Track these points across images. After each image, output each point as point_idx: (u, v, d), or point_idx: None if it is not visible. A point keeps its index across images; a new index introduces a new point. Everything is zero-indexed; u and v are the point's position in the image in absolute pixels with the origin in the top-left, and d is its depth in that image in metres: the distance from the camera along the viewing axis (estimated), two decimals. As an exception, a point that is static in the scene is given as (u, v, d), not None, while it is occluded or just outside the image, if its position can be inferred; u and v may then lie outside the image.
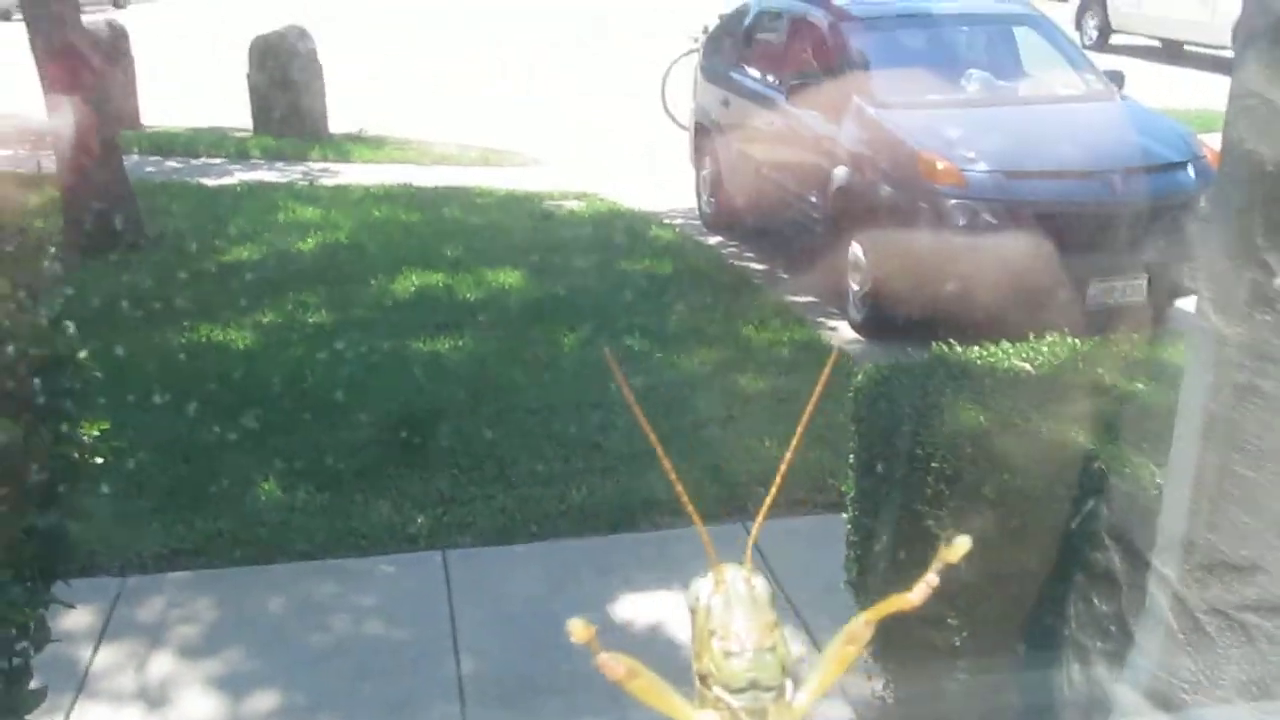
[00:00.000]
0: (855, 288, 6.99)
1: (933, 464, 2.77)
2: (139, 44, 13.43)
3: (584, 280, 7.70)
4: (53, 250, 2.59)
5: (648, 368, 6.16)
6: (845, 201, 7.13)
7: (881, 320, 6.76)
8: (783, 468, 0.92)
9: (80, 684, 3.72)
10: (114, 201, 8.14)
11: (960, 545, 0.87)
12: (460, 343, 6.53)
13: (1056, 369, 3.06)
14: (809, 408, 0.93)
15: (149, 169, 11.14)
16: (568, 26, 22.62)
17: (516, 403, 5.78)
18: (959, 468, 2.72)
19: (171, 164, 11.76)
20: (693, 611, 0.86)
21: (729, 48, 9.33)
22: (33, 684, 2.53)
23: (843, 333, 6.99)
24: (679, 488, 0.93)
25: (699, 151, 9.56)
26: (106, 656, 3.89)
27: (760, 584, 0.86)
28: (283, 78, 12.43)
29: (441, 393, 5.84)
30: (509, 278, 7.69)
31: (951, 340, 3.28)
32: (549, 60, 18.33)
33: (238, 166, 11.64)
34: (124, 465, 4.42)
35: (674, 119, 11.58)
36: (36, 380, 2.41)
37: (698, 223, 9.45)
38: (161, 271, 7.73)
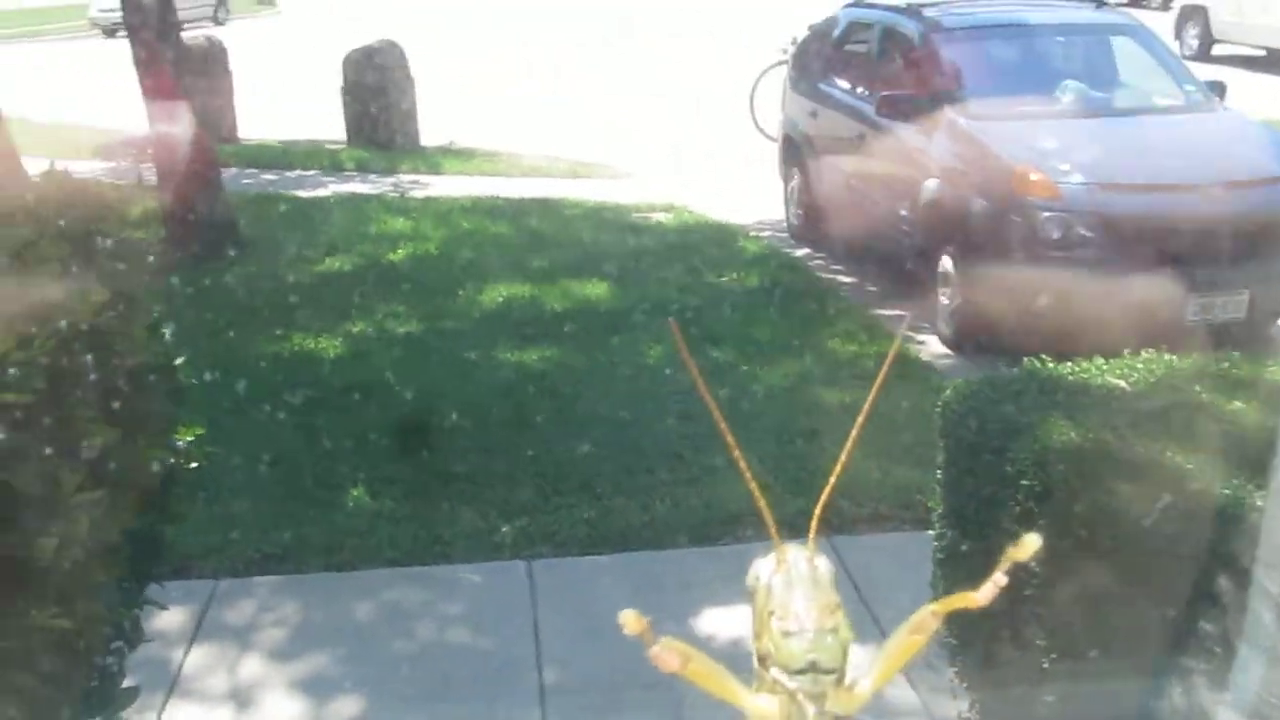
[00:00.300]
0: (945, 301, 6.91)
1: (1022, 481, 2.71)
2: (237, 59, 13.73)
3: (670, 292, 7.70)
4: (151, 260, 2.65)
5: (733, 380, 6.14)
6: (936, 214, 7.04)
7: (971, 335, 6.67)
8: (843, 456, 0.89)
9: (172, 684, 3.80)
10: (211, 213, 8.32)
11: (1029, 543, 0.84)
12: (547, 353, 6.57)
13: (1152, 386, 2.98)
14: (872, 394, 0.91)
15: (245, 181, 11.37)
16: (657, 39, 22.68)
17: (602, 413, 5.79)
18: (1049, 486, 2.66)
19: (267, 176, 12.00)
20: (753, 591, 0.84)
21: (818, 59, 9.29)
22: (126, 682, 2.58)
23: (932, 347, 6.91)
24: (742, 464, 0.90)
25: (787, 163, 9.52)
26: (198, 658, 3.96)
27: (823, 564, 0.83)
28: (375, 91, 12.63)
29: (527, 403, 5.88)
30: (596, 289, 7.72)
31: (1043, 356, 3.22)
32: (640, 73, 18.40)
33: (331, 179, 11.84)
34: (218, 470, 4.52)
35: (762, 131, 11.56)
36: (134, 386, 2.46)
37: (785, 235, 9.41)
38: (255, 281, 7.88)
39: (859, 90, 8.45)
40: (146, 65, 8.19)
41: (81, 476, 2.20)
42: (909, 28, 8.09)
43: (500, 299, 7.52)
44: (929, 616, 0.85)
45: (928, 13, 8.22)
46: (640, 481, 5.10)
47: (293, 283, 7.78)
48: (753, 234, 9.40)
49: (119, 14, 8.65)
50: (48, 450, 2.14)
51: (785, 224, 9.52)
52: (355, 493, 5.01)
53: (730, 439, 0.88)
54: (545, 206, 10.31)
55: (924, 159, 7.27)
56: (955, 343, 6.82)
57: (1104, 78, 7.99)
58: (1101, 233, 6.36)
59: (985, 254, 6.61)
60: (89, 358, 2.29)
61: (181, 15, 10.25)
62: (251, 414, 5.55)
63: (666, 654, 0.82)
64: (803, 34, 10.01)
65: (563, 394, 6.01)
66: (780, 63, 10.85)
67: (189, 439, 2.79)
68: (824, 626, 0.80)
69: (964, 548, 3.04)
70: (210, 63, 13.12)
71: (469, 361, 6.48)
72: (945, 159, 7.15)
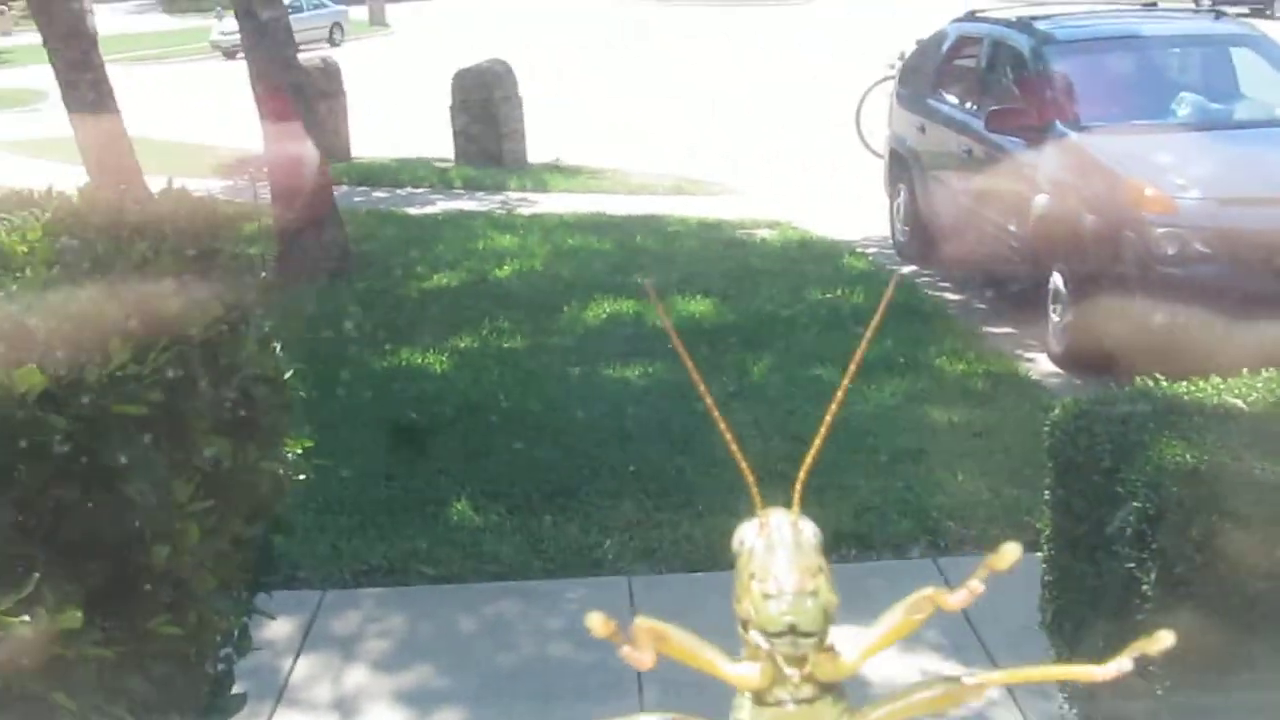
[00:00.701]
0: (1055, 319, 6.77)
1: (1134, 504, 2.64)
2: (351, 79, 14.03)
3: (775, 308, 7.67)
4: (263, 275, 2.71)
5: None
6: (1046, 230, 6.91)
7: (1082, 352, 6.52)
8: (834, 405, 0.87)
9: (280, 692, 3.87)
10: (322, 230, 8.50)
11: (1008, 553, 0.83)
12: (650, 369, 6.58)
13: (1272, 406, 2.88)
14: (868, 334, 0.88)
15: (357, 198, 11.60)
16: (760, 57, 22.65)
17: (705, 429, 5.78)
18: (1162, 508, 2.59)
19: (378, 194, 12.23)
20: (736, 555, 0.83)
21: (926, 74, 9.19)
22: (234, 689, 2.64)
23: (1041, 365, 6.77)
24: (722, 425, 0.89)
25: (893, 179, 9.43)
26: (305, 667, 4.03)
27: (808, 528, 0.82)
28: (484, 110, 12.81)
29: (630, 418, 5.89)
30: (699, 305, 7.72)
31: (1156, 374, 3.13)
32: (746, 91, 18.38)
33: (439, 196, 12.03)
34: (326, 483, 4.60)
35: (868, 146, 11.47)
36: (245, 399, 2.52)
37: (891, 252, 9.31)
38: (364, 296, 8.03)
39: (968, 105, 8.34)
40: (263, 86, 8.40)
41: (194, 486, 2.26)
42: (1019, 41, 7.96)
43: (604, 315, 7.56)
44: (926, 599, 0.83)
45: (1039, 25, 8.09)
46: (742, 499, 5.06)
47: (401, 298, 7.91)
48: (858, 250, 9.32)
49: (239, 36, 8.89)
50: (162, 460, 2.21)
51: (891, 240, 9.43)
52: (459, 506, 5.06)
53: (702, 386, 0.88)
54: (650, 223, 10.35)
55: (1034, 174, 7.14)
56: (1065, 361, 6.68)
57: (1223, 90, 7.78)
58: (1219, 248, 6.18)
59: (1097, 271, 6.47)
60: (202, 371, 2.35)
61: (298, 37, 10.50)
62: (359, 428, 5.65)
63: (637, 654, 0.82)
64: (910, 49, 9.92)
65: (665, 410, 6.01)
66: (887, 78, 10.76)
67: (298, 451, 2.85)
68: (804, 589, 0.79)
69: (1073, 571, 2.97)
70: (325, 83, 13.42)
71: (572, 377, 6.51)
72: (1057, 174, 7.02)
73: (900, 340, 7.05)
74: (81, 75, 8.47)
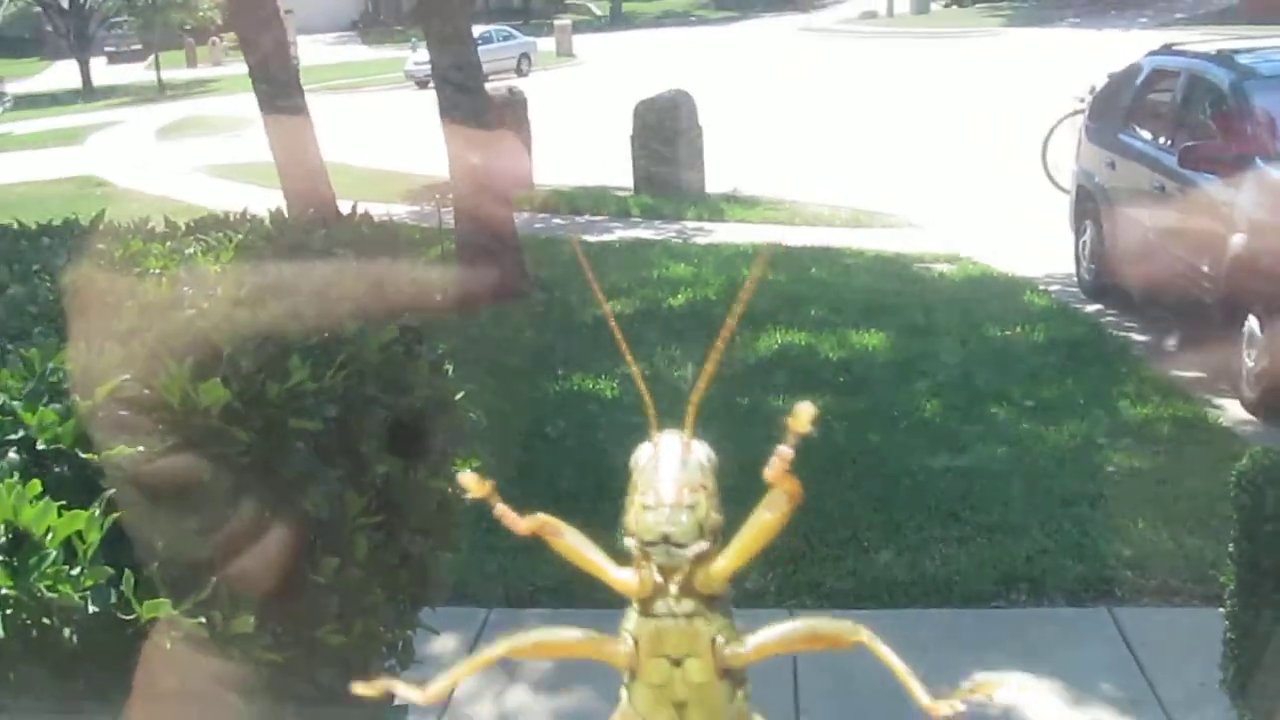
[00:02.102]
0: (1249, 364, 6.46)
1: (1327, 562, 2.50)
2: (536, 108, 14.35)
3: (951, 344, 7.52)
4: (439, 298, 2.79)
5: (1016, 437, 5.93)
6: (1242, 271, 6.61)
7: (1277, 400, 6.21)
8: (719, 342, 0.88)
9: (442, 710, 3.94)
10: (502, 255, 8.69)
11: (803, 412, 0.83)
12: (820, 402, 6.50)
13: None
14: (739, 303, 0.89)
15: (537, 225, 11.84)
16: (945, 91, 22.32)
17: (874, 465, 5.70)
18: (1358, 569, 2.44)
19: (558, 221, 12.45)
20: (629, 473, 0.85)
21: (1117, 108, 8.91)
22: (396, 701, 2.70)
23: (1232, 412, 6.47)
24: (628, 357, 0.91)
25: (1080, 215, 9.16)
26: (468, 684, 4.10)
27: (700, 450, 0.83)
28: (664, 139, 12.94)
29: (796, 451, 5.83)
30: (873, 339, 7.62)
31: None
32: (919, 121, 18.14)
33: (618, 224, 12.19)
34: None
35: (1054, 182, 11.16)
36: (417, 419, 2.59)
37: (1075, 289, 9.04)
38: (539, 322, 8.17)
39: (1161, 140, 8.06)
40: (451, 115, 8.66)
41: (365, 501, 2.33)
42: (1219, 75, 7.66)
43: (775, 346, 7.53)
44: (780, 493, 0.83)
45: (1240, 59, 7.77)
46: (910, 537, 4.98)
47: (574, 324, 8.03)
48: (1040, 287, 9.08)
49: (430, 66, 9.20)
50: (336, 474, 2.28)
51: (1075, 278, 9.15)
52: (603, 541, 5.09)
53: (617, 332, 0.91)
54: (826, 255, 10.28)
55: (1231, 213, 6.85)
56: (1259, 408, 6.37)
57: None
58: None
59: (1297, 314, 6.16)
60: (377, 389, 2.43)
61: (487, 68, 10.82)
62: (529, 449, 5.75)
63: (511, 517, 0.85)
64: (1100, 83, 9.64)
65: (834, 444, 5.94)
66: (1076, 112, 10.47)
67: (466, 470, 2.91)
68: (680, 502, 0.81)
69: (1257, 629, 2.82)
70: (510, 112, 13.76)
71: (740, 407, 6.50)
72: (1255, 214, 6.71)
73: (1082, 381, 6.84)
74: (282, 104, 8.88)
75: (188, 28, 34.95)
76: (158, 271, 2.35)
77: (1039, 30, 38.25)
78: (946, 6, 48.94)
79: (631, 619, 0.86)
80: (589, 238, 11.47)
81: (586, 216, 12.69)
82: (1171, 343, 7.68)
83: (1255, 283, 6.49)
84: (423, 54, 18.14)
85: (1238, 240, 6.69)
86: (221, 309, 2.09)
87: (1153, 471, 5.55)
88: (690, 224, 12.01)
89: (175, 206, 11.71)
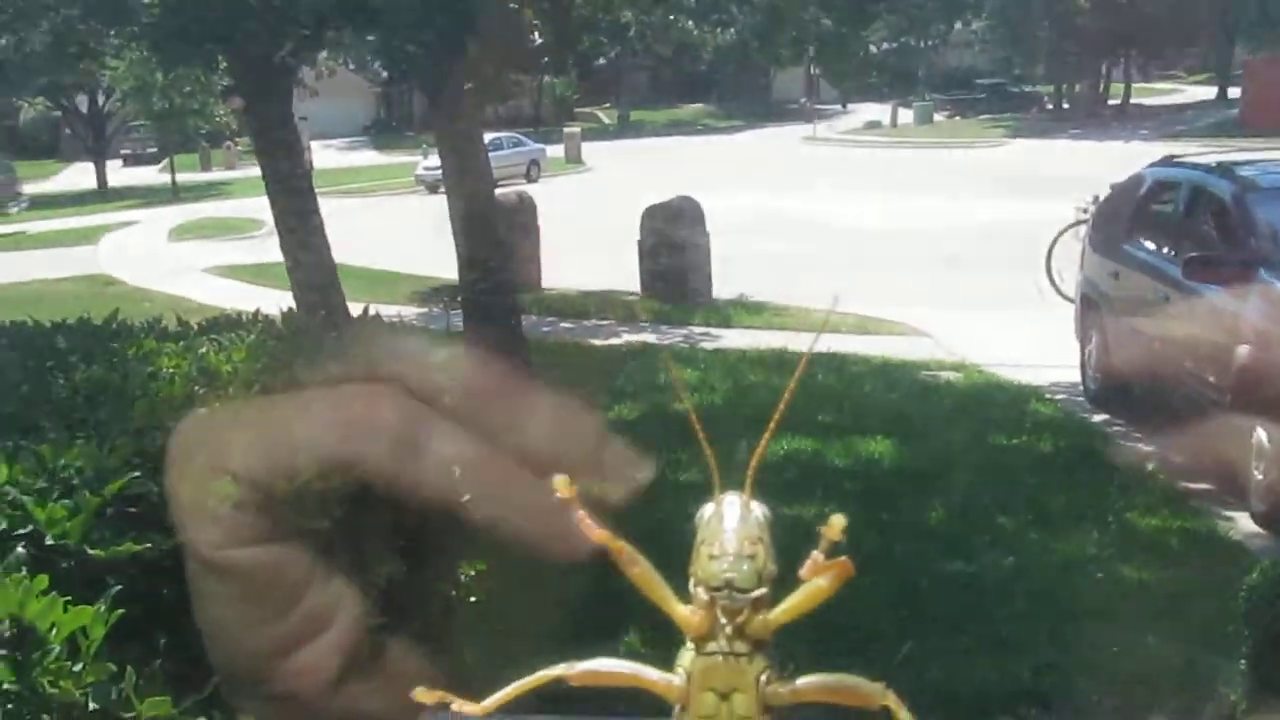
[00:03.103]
0: (1259, 477, 6.41)
1: (1341, 678, 2.47)
2: (546, 213, 14.52)
3: (956, 453, 7.50)
4: (446, 401, 2.79)
5: (1020, 548, 5.89)
6: (1249, 383, 6.61)
7: (1288, 513, 6.18)
8: (776, 415, 0.89)
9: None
10: (508, 358, 8.74)
11: (836, 523, 0.85)
12: (824, 510, 6.47)
13: None
14: (790, 390, 0.90)
15: (545, 328, 11.91)
16: (951, 199, 22.58)
17: (879, 573, 5.65)
18: (1373, 685, 2.41)
19: (565, 324, 12.53)
20: (696, 529, 0.89)
21: (1121, 219, 9.01)
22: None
23: (1241, 525, 6.43)
24: (693, 416, 0.93)
25: (1085, 325, 9.20)
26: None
27: (757, 509, 0.87)
28: (672, 245, 13.07)
29: (799, 558, 5.80)
30: (879, 446, 7.61)
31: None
32: (926, 228, 18.31)
33: (625, 328, 12.26)
34: (498, 606, 4.64)
35: (1059, 291, 11.24)
36: (422, 520, 2.58)
37: (1081, 399, 9.05)
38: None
39: (1165, 251, 8.13)
40: (461, 219, 8.77)
41: (368, 603, 2.32)
42: (1221, 187, 7.76)
43: (781, 452, 7.51)
44: (840, 569, 0.86)
45: (1242, 171, 7.88)
46: (915, 649, 4.92)
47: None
48: (1046, 396, 9.09)
49: (440, 171, 9.33)
50: (339, 576, 2.27)
51: (1081, 387, 9.17)
52: (630, 640, 5.04)
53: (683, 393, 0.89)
54: (832, 361, 10.31)
55: (1236, 324, 6.82)
56: (1269, 522, 6.33)
57: None
58: None
59: (1305, 427, 6.14)
60: (382, 489, 2.43)
61: (497, 174, 10.97)
62: (531, 553, 5.69)
63: (590, 527, 0.86)
64: (1103, 193, 9.76)
65: (839, 551, 5.89)
66: (1079, 222, 10.60)
67: (470, 574, 2.90)
68: (743, 553, 0.84)
69: (1272, 747, 2.77)
70: (519, 216, 13.93)
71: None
72: (1261, 325, 6.71)
73: (1091, 491, 6.81)
74: (294, 207, 9.00)
75: (203, 132, 35.58)
76: (170, 370, 2.36)
77: (1041, 141, 38.86)
78: (950, 117, 49.78)
79: (686, 657, 0.92)
80: (596, 341, 11.53)
81: (594, 320, 12.77)
82: (1179, 454, 7.66)
83: (1262, 394, 6.43)
84: (433, 159, 18.47)
85: (1243, 351, 6.70)
86: (232, 408, 2.09)
87: (1162, 585, 5.50)
88: (697, 329, 12.08)
89: (187, 306, 11.80)
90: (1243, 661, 2.96)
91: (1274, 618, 2.80)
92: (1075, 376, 9.27)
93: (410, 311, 10.94)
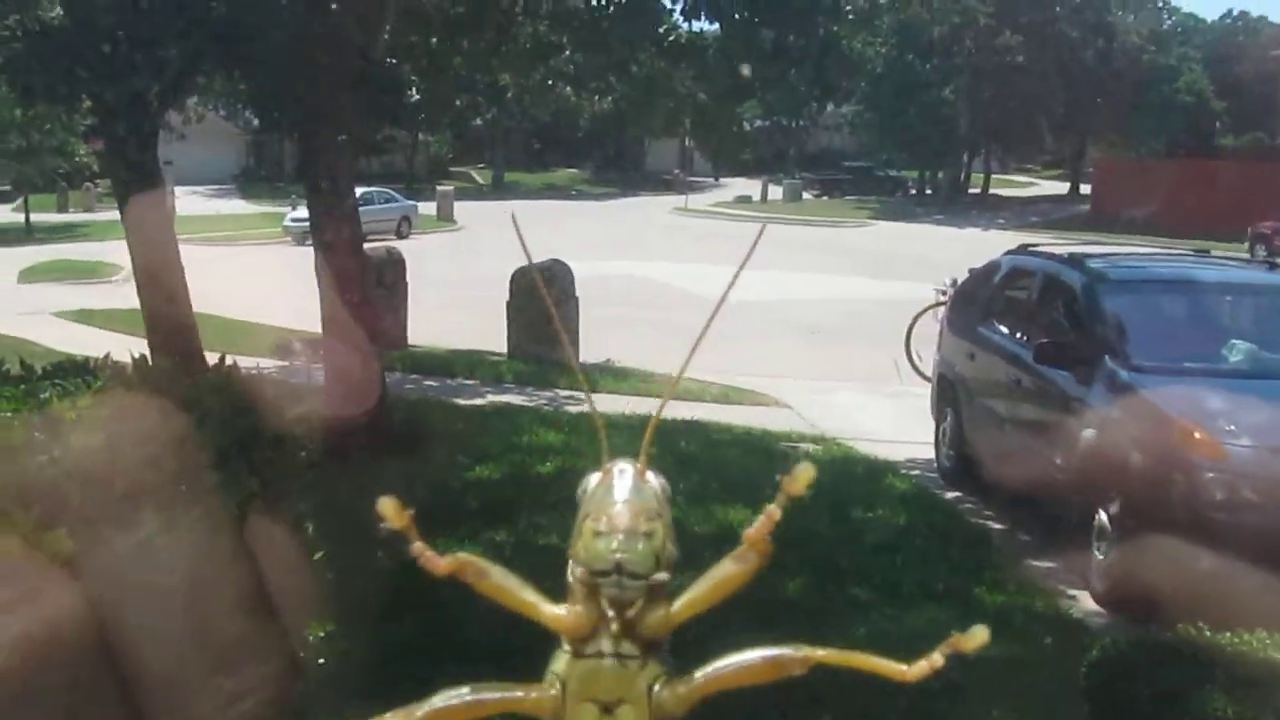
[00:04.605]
0: (1099, 556, 6.65)
1: (1173, 756, 2.55)
2: (414, 270, 14.41)
3: (814, 525, 7.59)
4: (303, 455, 2.74)
5: (872, 620, 5.96)
6: (1093, 466, 6.85)
7: (1125, 593, 6.37)
8: (676, 376, 0.85)
9: None
10: (371, 416, 8.59)
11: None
12: (682, 579, 6.49)
13: (1320, 664, 2.79)
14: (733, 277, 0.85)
15: (408, 386, 11.76)
16: (808, 273, 23.03)
17: (728, 643, 5.66)
18: (1203, 763, 2.49)
19: (429, 382, 12.39)
20: (578, 504, 0.79)
21: (977, 302, 9.30)
22: None
23: (1083, 602, 6.62)
24: (582, 377, 0.86)
25: (940, 403, 9.44)
26: None
27: (654, 479, 0.78)
28: (539, 308, 13.06)
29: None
30: (738, 515, 7.66)
31: (1200, 623, 3.05)
32: (790, 303, 18.63)
33: (489, 388, 12.18)
34: (349, 669, 4.52)
35: (917, 369, 11.55)
36: (272, 576, 2.51)
37: (935, 475, 9.25)
38: (404, 484, 8.03)
39: (1018, 335, 8.40)
40: (326, 272, 8.64)
41: (213, 661, 2.24)
42: (1072, 277, 8.06)
43: (642, 519, 7.51)
44: (749, 550, 0.79)
45: (1092, 264, 8.19)
46: None
47: (441, 487, 7.92)
48: (903, 471, 9.27)
49: (308, 223, 9.20)
50: (183, 634, 2.19)
51: (936, 464, 9.38)
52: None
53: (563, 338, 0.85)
54: (695, 429, 10.37)
55: (1082, 409, 7.13)
56: (1107, 600, 6.52)
57: (1276, 339, 7.77)
58: (1269, 497, 6.08)
59: (1143, 511, 6.37)
60: (233, 544, 2.36)
61: (367, 229, 10.85)
62: (385, 614, 5.58)
63: (430, 557, 0.78)
64: (961, 276, 10.07)
65: (701, 621, 5.89)
66: (938, 303, 10.92)
67: (319, 635, 2.82)
68: (636, 529, 0.74)
69: (1108, 824, 2.84)
70: (387, 272, 13.80)
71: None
72: (1104, 411, 7.00)
73: (939, 567, 6.94)
74: (153, 251, 8.77)
75: (62, 171, 34.49)
76: (10, 415, 2.27)
77: (904, 224, 40.02)
78: (818, 196, 50.99)
79: (560, 661, 0.78)
80: (460, 400, 11.42)
81: (459, 379, 12.66)
82: (1025, 533, 7.87)
83: (1105, 478, 6.72)
84: (302, 210, 18.19)
85: (1088, 436, 6.95)
86: (73, 457, 2.02)
87: (1005, 660, 5.61)
88: (562, 392, 12.05)
89: (33, 350, 11.36)
90: (1082, 737, 3.03)
91: (1113, 694, 2.88)
92: (930, 453, 9.48)
93: (270, 363, 10.71)
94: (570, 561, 0.75)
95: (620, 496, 0.75)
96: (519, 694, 0.76)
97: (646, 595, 0.74)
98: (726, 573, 0.78)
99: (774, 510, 0.76)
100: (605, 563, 0.74)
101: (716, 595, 0.77)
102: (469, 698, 0.78)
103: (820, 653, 0.76)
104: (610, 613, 0.74)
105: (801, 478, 0.76)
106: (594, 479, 0.78)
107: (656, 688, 0.75)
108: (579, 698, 0.75)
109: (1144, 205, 38.93)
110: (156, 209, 9.07)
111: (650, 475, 0.77)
